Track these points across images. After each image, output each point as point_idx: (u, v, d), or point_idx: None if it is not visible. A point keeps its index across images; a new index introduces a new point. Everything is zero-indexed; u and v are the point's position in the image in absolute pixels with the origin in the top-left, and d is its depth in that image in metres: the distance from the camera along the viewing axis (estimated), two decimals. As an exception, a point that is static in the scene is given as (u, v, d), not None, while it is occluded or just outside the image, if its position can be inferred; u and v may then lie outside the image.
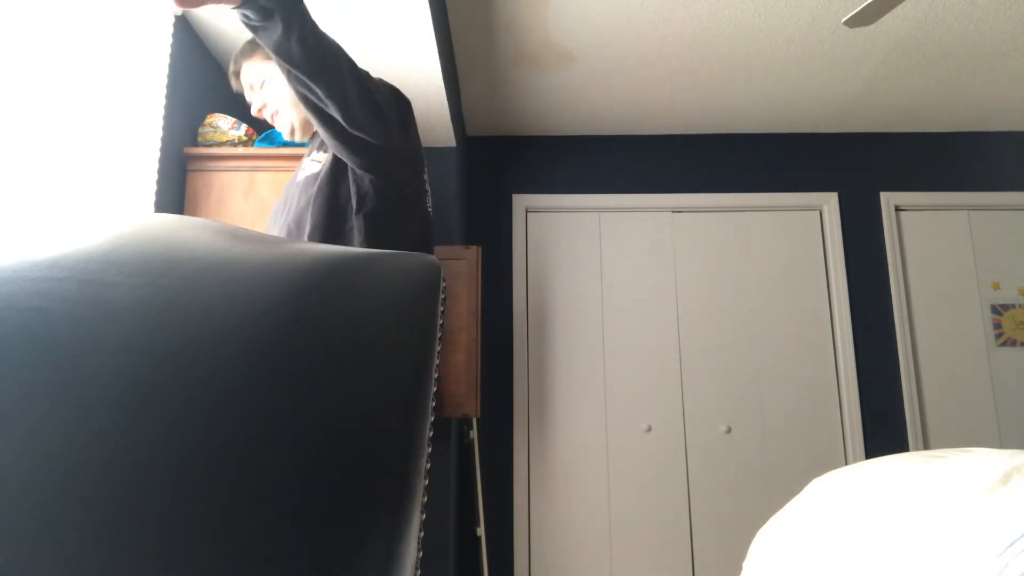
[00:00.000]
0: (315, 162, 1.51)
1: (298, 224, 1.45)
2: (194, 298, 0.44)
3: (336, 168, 1.45)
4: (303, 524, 0.39)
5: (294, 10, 1.15)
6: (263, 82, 1.57)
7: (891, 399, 3.57)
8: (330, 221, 1.42)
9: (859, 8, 2.08)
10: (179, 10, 1.07)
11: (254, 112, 1.60)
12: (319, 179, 1.45)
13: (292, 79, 1.25)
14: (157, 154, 2.12)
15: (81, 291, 0.44)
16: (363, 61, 2.55)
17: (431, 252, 1.58)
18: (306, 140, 1.64)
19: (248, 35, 2.38)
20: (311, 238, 1.42)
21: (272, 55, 1.21)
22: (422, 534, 0.44)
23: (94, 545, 0.37)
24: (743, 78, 3.29)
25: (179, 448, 0.39)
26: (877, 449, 3.48)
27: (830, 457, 3.52)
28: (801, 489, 3.64)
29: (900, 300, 3.67)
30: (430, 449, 0.47)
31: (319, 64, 1.21)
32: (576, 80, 3.31)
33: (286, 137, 1.62)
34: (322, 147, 1.52)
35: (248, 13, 1.13)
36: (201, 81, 2.42)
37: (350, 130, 1.33)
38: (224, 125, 2.35)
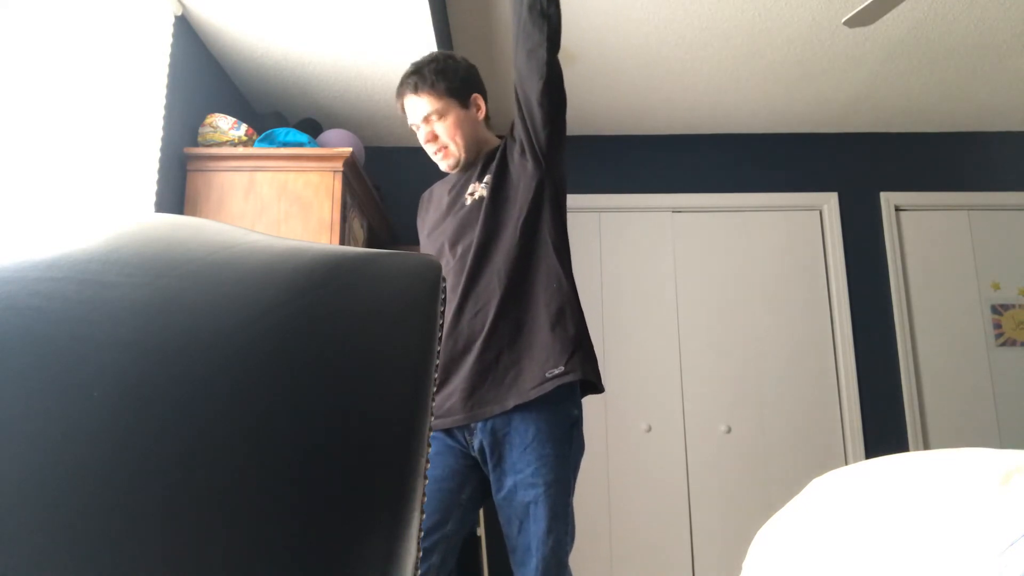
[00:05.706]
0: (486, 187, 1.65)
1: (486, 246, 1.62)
2: (194, 298, 0.44)
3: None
4: (302, 524, 0.39)
5: None
6: (435, 116, 1.65)
7: (891, 399, 3.57)
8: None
9: (859, 8, 2.08)
10: None
11: (422, 141, 1.69)
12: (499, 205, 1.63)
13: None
14: (157, 154, 2.12)
15: (81, 291, 0.44)
16: (363, 60, 2.55)
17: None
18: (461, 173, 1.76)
19: (256, 40, 2.38)
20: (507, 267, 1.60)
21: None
22: (422, 534, 0.44)
23: (93, 546, 0.37)
24: (743, 78, 3.29)
25: (178, 448, 0.39)
26: (877, 449, 3.47)
27: (830, 457, 3.52)
28: (801, 489, 3.63)
29: (900, 300, 3.67)
30: (430, 449, 0.47)
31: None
32: (576, 80, 3.31)
33: (447, 170, 1.75)
34: (482, 176, 1.66)
35: None
36: (201, 81, 2.42)
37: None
38: (224, 125, 2.35)
